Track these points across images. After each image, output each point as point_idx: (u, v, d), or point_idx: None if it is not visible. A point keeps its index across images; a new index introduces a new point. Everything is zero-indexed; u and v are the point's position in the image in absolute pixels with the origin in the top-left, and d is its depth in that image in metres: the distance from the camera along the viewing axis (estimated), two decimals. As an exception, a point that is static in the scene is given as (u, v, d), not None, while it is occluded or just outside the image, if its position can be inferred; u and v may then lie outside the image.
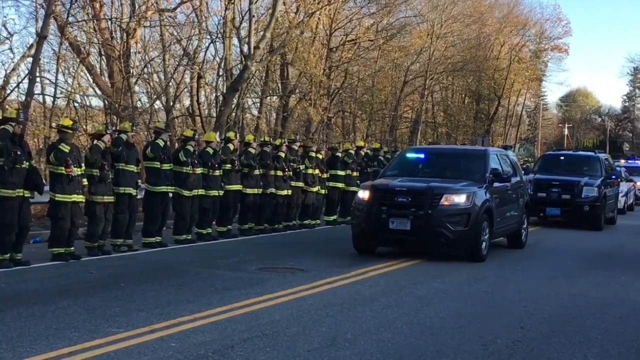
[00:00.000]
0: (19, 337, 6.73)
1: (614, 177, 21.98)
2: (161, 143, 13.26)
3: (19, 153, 10.44)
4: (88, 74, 23.66)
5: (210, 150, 14.45)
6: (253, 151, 16.01)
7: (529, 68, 52.98)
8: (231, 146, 15.26)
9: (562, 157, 22.94)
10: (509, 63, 49.29)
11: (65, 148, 11.19)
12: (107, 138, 11.99)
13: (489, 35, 47.13)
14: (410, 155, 14.96)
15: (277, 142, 17.41)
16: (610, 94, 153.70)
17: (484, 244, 12.57)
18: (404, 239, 12.37)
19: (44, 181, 11.13)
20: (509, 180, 13.89)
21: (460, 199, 12.22)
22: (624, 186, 26.73)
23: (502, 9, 50.38)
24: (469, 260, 12.39)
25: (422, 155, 14.66)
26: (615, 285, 10.95)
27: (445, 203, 12.09)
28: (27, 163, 10.66)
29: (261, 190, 15.78)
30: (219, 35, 25.05)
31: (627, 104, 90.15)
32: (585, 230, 19.07)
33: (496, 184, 13.26)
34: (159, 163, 13.09)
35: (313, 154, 17.94)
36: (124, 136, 12.61)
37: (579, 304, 9.32)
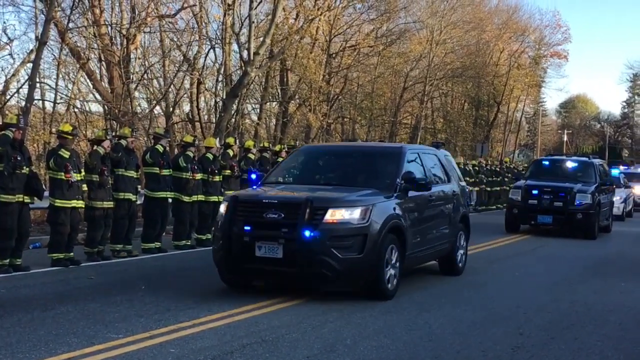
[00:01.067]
0: (18, 343, 6.72)
1: (608, 183, 21.31)
2: (160, 149, 13.27)
3: (19, 158, 10.47)
4: (88, 80, 23.68)
5: (210, 156, 14.46)
6: (253, 157, 16.03)
7: (529, 74, 53.04)
8: (230, 152, 15.29)
9: (554, 163, 21.93)
10: (509, 69, 49.36)
11: (65, 154, 11.22)
12: (106, 144, 12.01)
13: (488, 42, 47.20)
14: (304, 156, 11.50)
15: (277, 147, 17.43)
16: (609, 101, 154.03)
17: (389, 276, 9.34)
18: (275, 271, 9.03)
19: (44, 187, 11.14)
20: (429, 189, 10.33)
21: (351, 214, 8.88)
22: (622, 192, 26.50)
23: (501, 15, 50.50)
24: (467, 267, 12.30)
25: (317, 156, 11.50)
26: (614, 292, 10.95)
27: (331, 220, 8.78)
28: (27, 168, 10.69)
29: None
30: (219, 41, 25.09)
31: (626, 110, 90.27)
32: (581, 238, 18.63)
33: (413, 194, 10.01)
34: (158, 169, 13.10)
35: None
36: (123, 142, 12.63)
37: (579, 310, 9.32)
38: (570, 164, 21.19)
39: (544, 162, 22.98)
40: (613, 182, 22.84)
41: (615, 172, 28.60)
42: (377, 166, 10.52)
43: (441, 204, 11.25)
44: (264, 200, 9.24)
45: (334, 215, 8.83)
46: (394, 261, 9.41)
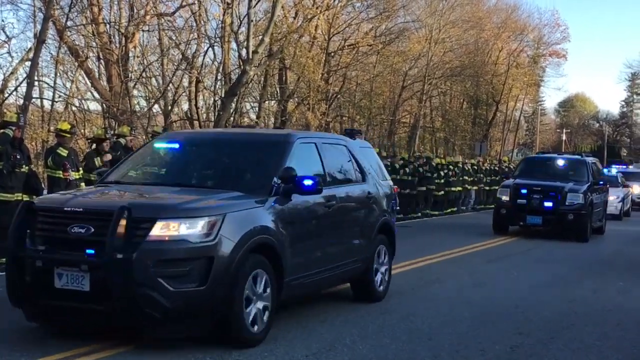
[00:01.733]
0: (17, 342, 6.70)
1: (602, 182, 20.25)
2: (63, 153, 11.62)
3: (18, 157, 10.51)
4: (86, 78, 23.69)
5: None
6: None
7: (527, 73, 53.03)
8: None
9: (545, 161, 20.78)
10: (507, 68, 49.35)
11: (63, 152, 11.24)
12: (106, 144, 12.08)
13: (487, 41, 47.19)
14: (159, 145, 8.61)
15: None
16: (608, 100, 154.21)
17: (254, 313, 6.79)
18: (80, 309, 6.39)
19: (42, 185, 11.15)
20: (319, 191, 7.52)
21: (190, 227, 6.30)
22: (620, 192, 26.38)
23: (500, 14, 50.47)
24: (466, 267, 12.33)
25: (175, 146, 8.42)
26: (613, 291, 10.95)
27: (159, 236, 6.22)
28: (27, 167, 10.72)
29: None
30: (218, 40, 25.09)
31: (625, 109, 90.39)
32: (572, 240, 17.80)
33: (298, 198, 7.42)
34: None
35: None
36: (122, 140, 12.62)
37: (577, 310, 9.33)
38: (561, 162, 20.07)
39: (534, 160, 22.24)
40: (607, 181, 21.68)
41: (613, 171, 28.54)
42: (251, 161, 7.88)
43: (348, 211, 8.65)
44: (66, 208, 6.57)
45: (164, 229, 6.25)
46: (262, 293, 6.87)
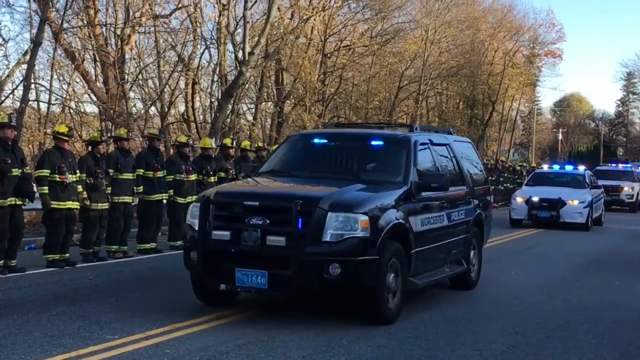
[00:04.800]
0: (13, 345, 6.72)
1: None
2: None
3: (9, 161, 10.32)
4: (83, 80, 23.65)
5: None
6: (252, 157, 15.98)
7: (523, 73, 53.08)
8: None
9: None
10: (503, 68, 49.38)
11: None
12: (102, 147, 12.05)
13: (482, 41, 47.23)
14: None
15: (273, 148, 17.39)
16: (604, 99, 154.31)
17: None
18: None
19: (34, 189, 11.04)
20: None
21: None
22: (587, 194, 21.64)
23: (495, 14, 50.50)
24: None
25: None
26: (609, 290, 10.99)
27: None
28: (20, 170, 10.55)
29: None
30: (214, 41, 25.07)
31: (620, 108, 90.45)
32: (576, 235, 17.75)
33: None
34: (152, 172, 13.06)
35: None
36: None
37: (573, 308, 9.36)
38: None
39: None
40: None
41: (581, 168, 24.93)
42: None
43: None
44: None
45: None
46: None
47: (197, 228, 7.89)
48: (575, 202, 20.99)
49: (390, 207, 8.03)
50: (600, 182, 26.51)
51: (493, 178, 31.68)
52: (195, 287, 8.44)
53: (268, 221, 7.58)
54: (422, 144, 9.37)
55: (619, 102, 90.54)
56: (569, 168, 25.54)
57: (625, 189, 31.27)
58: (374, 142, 9.35)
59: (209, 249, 7.80)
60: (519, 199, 21.88)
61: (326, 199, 7.60)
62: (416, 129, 10.01)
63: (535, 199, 21.29)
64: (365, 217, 7.54)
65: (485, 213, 11.01)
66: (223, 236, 7.75)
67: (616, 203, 30.81)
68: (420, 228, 8.57)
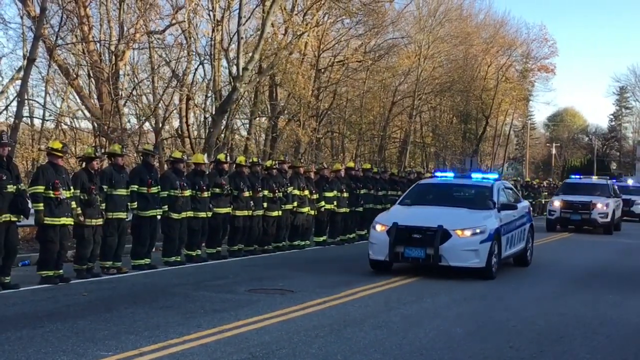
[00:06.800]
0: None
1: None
2: None
3: (4, 178, 10.29)
4: (77, 96, 23.66)
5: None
6: (246, 171, 15.95)
7: (516, 88, 53.36)
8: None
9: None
10: (496, 83, 49.64)
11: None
12: (95, 162, 12.02)
13: (476, 56, 47.47)
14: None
15: (268, 163, 17.41)
16: (597, 114, 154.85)
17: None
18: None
19: (29, 206, 11.01)
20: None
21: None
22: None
23: (488, 29, 50.78)
24: (459, 280, 12.39)
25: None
26: (603, 304, 11.00)
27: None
28: (15, 187, 10.53)
29: (251, 212, 15.72)
30: (208, 57, 25.14)
31: (613, 123, 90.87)
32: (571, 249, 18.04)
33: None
34: (146, 188, 13.05)
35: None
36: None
37: (568, 323, 9.37)
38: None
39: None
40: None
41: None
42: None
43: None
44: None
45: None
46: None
47: None
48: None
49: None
50: (569, 198, 25.51)
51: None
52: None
53: None
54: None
55: (612, 117, 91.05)
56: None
57: (599, 206, 25.70)
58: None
59: None
60: None
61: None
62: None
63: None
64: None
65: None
66: None
67: (587, 223, 25.95)
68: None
